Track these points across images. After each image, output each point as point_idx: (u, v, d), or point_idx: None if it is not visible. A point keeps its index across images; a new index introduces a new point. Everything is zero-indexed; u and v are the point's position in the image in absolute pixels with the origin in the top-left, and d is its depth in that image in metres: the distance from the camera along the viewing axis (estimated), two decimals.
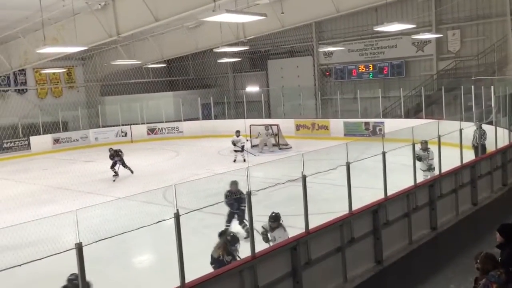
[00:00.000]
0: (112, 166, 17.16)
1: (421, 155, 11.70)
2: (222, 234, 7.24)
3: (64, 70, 28.58)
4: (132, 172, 17.40)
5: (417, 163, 11.76)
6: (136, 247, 9.84)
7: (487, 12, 22.31)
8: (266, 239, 7.56)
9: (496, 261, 4.65)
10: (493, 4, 22.03)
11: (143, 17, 14.80)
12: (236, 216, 9.84)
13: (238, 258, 6.75)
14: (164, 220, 5.66)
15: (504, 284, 4.49)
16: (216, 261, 6.84)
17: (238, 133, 19.18)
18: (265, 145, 21.54)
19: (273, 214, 7.66)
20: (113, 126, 28.18)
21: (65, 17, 16.83)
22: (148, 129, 28.34)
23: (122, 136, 27.75)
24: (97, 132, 27.58)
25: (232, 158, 19.06)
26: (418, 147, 11.71)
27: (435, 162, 10.80)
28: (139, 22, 15.22)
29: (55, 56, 20.27)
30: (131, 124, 28.04)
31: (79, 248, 4.80)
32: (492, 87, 15.91)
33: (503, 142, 13.35)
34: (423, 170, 11.61)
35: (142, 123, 28.44)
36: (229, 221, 9.93)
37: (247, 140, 20.18)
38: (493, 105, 15.28)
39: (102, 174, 17.31)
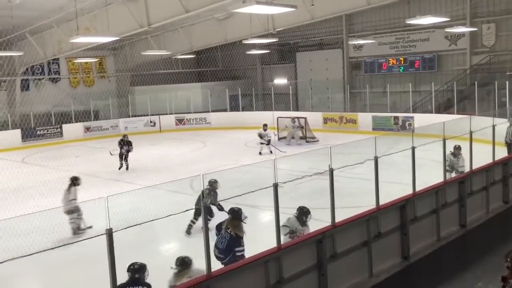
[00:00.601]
0: (121, 157, 16.80)
1: (453, 162, 11.18)
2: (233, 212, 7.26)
3: (96, 60, 29.10)
4: (126, 168, 16.91)
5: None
6: (163, 235, 10.00)
7: None
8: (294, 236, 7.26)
9: None
10: None
11: (173, 8, 14.93)
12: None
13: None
14: (192, 209, 5.75)
15: None
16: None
17: (265, 126, 19.19)
18: (293, 137, 21.53)
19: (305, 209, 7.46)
20: (143, 115, 28.61)
21: (98, 8, 17.13)
22: (177, 119, 28.64)
23: (151, 126, 28.14)
24: (127, 121, 28.04)
25: (257, 150, 19.11)
26: (449, 151, 11.36)
27: (466, 164, 10.52)
28: (170, 13, 15.37)
29: (87, 46, 20.69)
30: (160, 114, 28.40)
31: (109, 234, 4.92)
32: None
33: None
34: (448, 171, 11.26)
35: (170, 114, 28.77)
36: (196, 218, 9.58)
37: (275, 135, 20.16)
38: None
39: (131, 163, 17.62)
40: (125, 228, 5.16)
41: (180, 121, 28.64)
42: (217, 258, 6.81)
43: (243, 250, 6.85)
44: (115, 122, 27.71)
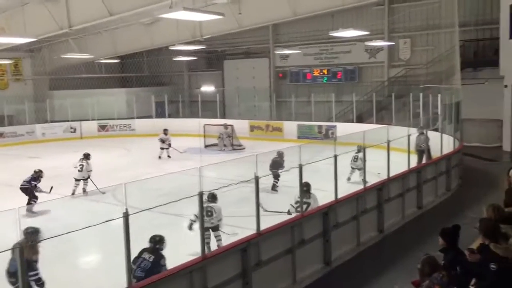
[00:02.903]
0: (32, 195, 12.24)
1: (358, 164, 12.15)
2: None
3: (11, 61, 27.42)
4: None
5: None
6: (83, 247, 9.55)
7: (437, 23, 23.16)
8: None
9: (435, 265, 4.80)
10: (442, 15, 22.93)
11: (96, 11, 14.46)
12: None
13: None
14: (113, 219, 5.52)
15: (446, 286, 4.66)
16: None
17: (166, 131, 20.02)
18: (225, 145, 21.67)
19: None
20: (62, 121, 27.25)
21: (14, 7, 16.18)
22: (99, 125, 27.59)
23: (71, 132, 26.90)
24: (44, 127, 26.59)
25: (164, 155, 19.71)
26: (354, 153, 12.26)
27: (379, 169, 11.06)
28: (92, 15, 14.87)
29: (1, 46, 19.44)
30: (81, 120, 27.21)
31: (20, 248, 4.60)
32: (439, 95, 16.52)
33: (447, 148, 13.89)
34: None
35: (92, 119, 27.66)
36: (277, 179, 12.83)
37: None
38: (439, 113, 15.87)
39: (48, 171, 16.63)
40: (39, 242, 4.85)
41: (102, 128, 27.62)
42: (10, 283, 6.23)
43: (36, 275, 6.26)
44: (32, 128, 26.17)
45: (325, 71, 27.04)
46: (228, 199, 11.00)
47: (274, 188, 12.89)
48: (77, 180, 13.82)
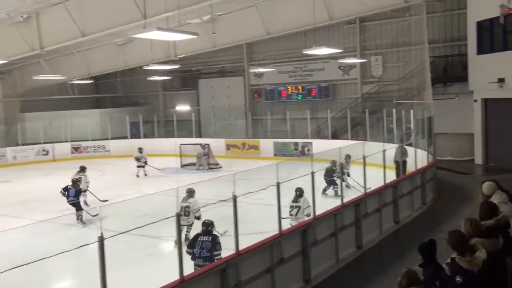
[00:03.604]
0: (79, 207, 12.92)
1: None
2: None
3: None
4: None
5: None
6: (57, 274, 9.27)
7: (407, 40, 23.75)
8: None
9: (414, 278, 4.81)
10: (412, 33, 23.54)
11: (69, 31, 14.33)
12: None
13: None
14: (87, 244, 5.38)
15: None
16: None
17: (141, 150, 20.22)
18: (201, 165, 21.55)
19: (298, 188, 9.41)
20: (34, 144, 26.67)
21: None
22: (72, 147, 27.10)
23: (44, 154, 26.35)
24: (15, 150, 25.98)
25: (141, 173, 19.88)
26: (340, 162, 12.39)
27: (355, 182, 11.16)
28: (65, 36, 14.73)
29: None
30: (53, 142, 26.68)
31: None
32: (411, 110, 16.84)
33: (422, 163, 14.10)
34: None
35: (65, 141, 27.17)
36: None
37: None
38: (412, 128, 16.15)
39: (19, 196, 16.25)
40: (11, 269, 4.68)
41: (76, 149, 27.13)
42: None
43: None
44: (2, 152, 25.52)
45: (299, 88, 27.32)
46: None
47: (324, 192, 13.76)
48: (84, 191, 14.42)
